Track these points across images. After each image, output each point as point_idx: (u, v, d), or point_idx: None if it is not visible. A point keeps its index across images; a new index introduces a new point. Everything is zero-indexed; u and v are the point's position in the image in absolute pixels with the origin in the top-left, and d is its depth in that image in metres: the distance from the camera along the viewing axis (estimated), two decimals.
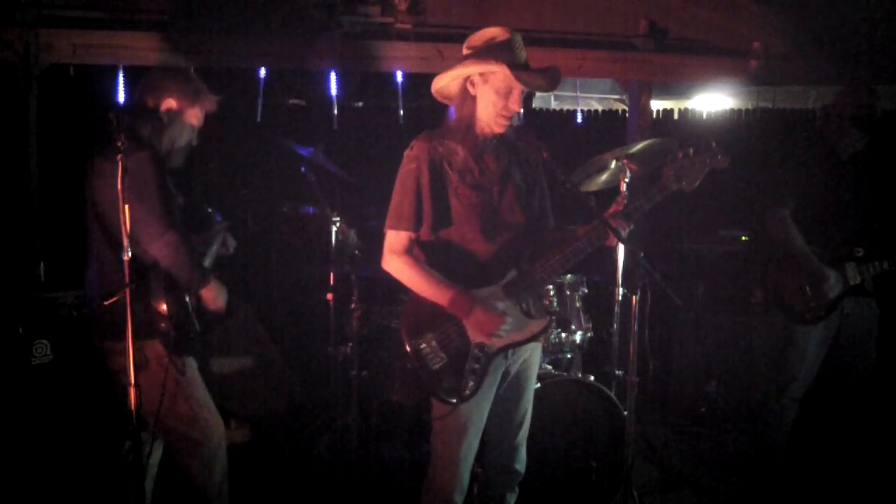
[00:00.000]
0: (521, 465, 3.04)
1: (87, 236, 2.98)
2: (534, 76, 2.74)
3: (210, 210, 3.29)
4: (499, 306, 2.75)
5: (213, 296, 3.07)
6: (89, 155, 2.90)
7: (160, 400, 2.92)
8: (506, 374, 2.91)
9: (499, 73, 2.70)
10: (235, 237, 3.33)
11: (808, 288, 3.73)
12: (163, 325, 2.86)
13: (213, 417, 3.05)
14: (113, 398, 3.02)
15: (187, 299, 2.96)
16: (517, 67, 2.70)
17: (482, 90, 2.74)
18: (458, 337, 2.76)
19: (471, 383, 2.75)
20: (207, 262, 3.13)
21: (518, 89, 2.74)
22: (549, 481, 3.65)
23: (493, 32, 2.75)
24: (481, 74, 2.73)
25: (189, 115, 3.01)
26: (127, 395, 2.76)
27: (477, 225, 2.78)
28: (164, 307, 2.86)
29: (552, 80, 2.80)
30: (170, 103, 2.95)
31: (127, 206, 2.53)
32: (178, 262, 2.85)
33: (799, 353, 3.80)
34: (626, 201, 2.89)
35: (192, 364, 3.00)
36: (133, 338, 2.77)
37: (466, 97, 2.77)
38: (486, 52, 2.72)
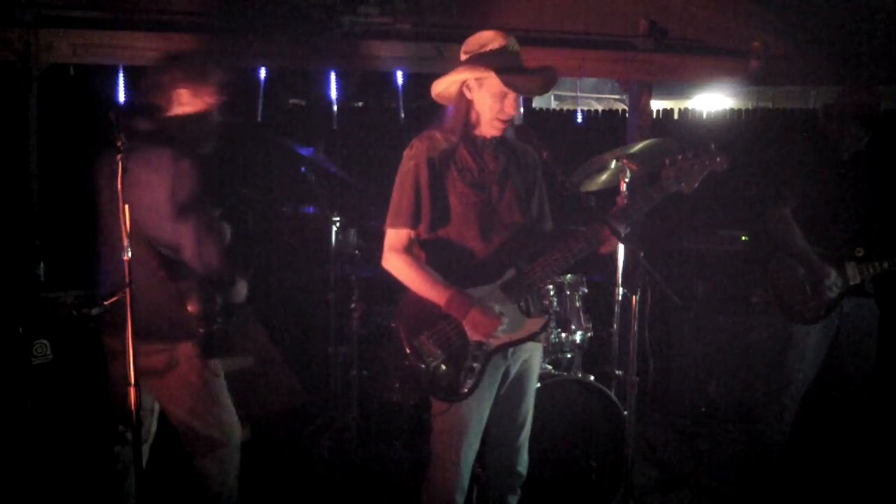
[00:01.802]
0: (522, 466, 3.04)
1: (103, 236, 2.95)
2: (525, 80, 2.75)
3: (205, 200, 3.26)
4: (496, 308, 2.75)
5: (241, 288, 3.05)
6: (106, 153, 2.87)
7: (185, 400, 2.91)
8: (506, 374, 2.91)
9: (491, 77, 2.72)
10: (235, 237, 3.32)
11: (807, 287, 3.73)
12: (199, 328, 2.85)
13: (234, 420, 3.05)
14: (112, 398, 3.02)
15: (218, 299, 2.95)
16: (509, 72, 2.71)
17: (478, 94, 2.76)
18: (456, 335, 2.76)
19: (469, 382, 2.76)
20: None
21: (513, 93, 2.75)
22: (549, 481, 3.65)
23: (486, 37, 2.77)
24: (476, 79, 2.75)
25: (205, 97, 2.96)
26: (128, 396, 2.76)
27: (475, 224, 2.79)
28: (197, 308, 2.85)
29: (546, 82, 2.81)
30: (183, 96, 2.91)
31: (127, 206, 2.53)
32: (213, 264, 2.83)
33: (798, 353, 3.80)
34: (625, 202, 2.89)
35: (217, 365, 3.00)
36: (166, 339, 2.80)
37: (463, 100, 2.79)
38: (479, 58, 2.74)
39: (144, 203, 2.76)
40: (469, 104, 2.79)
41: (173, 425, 3.04)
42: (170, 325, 2.84)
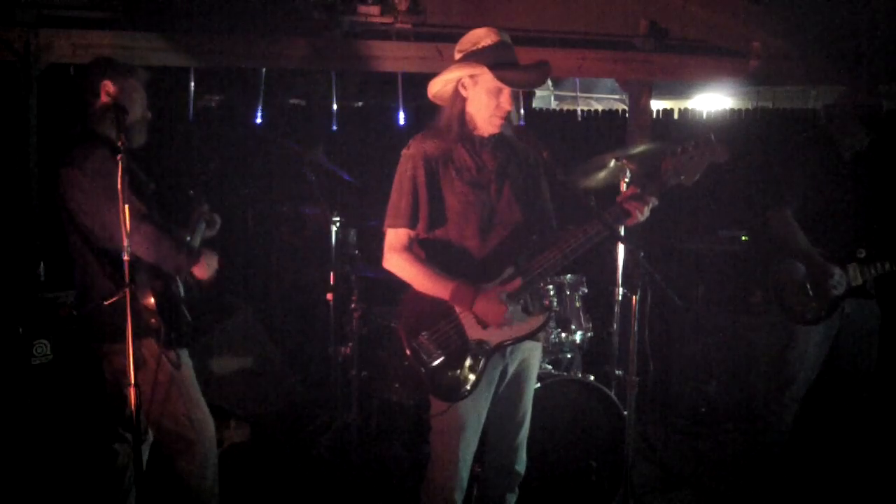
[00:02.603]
0: (521, 465, 3.04)
1: (68, 242, 2.98)
2: (519, 74, 2.75)
3: (191, 192, 3.27)
4: (501, 296, 2.75)
5: (204, 267, 3.06)
6: (57, 166, 2.92)
7: (156, 399, 2.92)
8: (504, 373, 2.91)
9: (485, 74, 2.72)
10: (236, 236, 3.32)
11: (809, 288, 3.72)
12: (153, 320, 2.86)
13: (206, 417, 3.05)
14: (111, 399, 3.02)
15: (175, 290, 2.96)
16: (502, 67, 2.71)
17: (473, 92, 2.77)
18: (455, 334, 2.76)
19: (469, 381, 2.76)
20: (195, 244, 3.13)
21: (508, 89, 2.75)
22: (549, 481, 3.65)
23: (478, 34, 2.78)
24: (471, 77, 2.75)
25: (129, 90, 3.00)
26: (124, 396, 2.77)
27: (474, 222, 2.79)
28: (151, 302, 2.85)
29: (540, 76, 2.81)
30: (108, 87, 2.96)
31: (127, 207, 2.53)
32: (160, 251, 2.85)
33: (799, 353, 3.80)
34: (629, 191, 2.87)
35: (186, 360, 3.00)
36: (125, 338, 2.78)
37: (457, 98, 2.79)
38: (473, 55, 2.75)
39: (85, 205, 2.82)
40: (465, 102, 2.79)
41: (148, 426, 3.03)
42: (125, 323, 2.82)
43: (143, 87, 3.07)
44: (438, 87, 2.84)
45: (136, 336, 2.77)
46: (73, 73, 5.29)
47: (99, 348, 2.98)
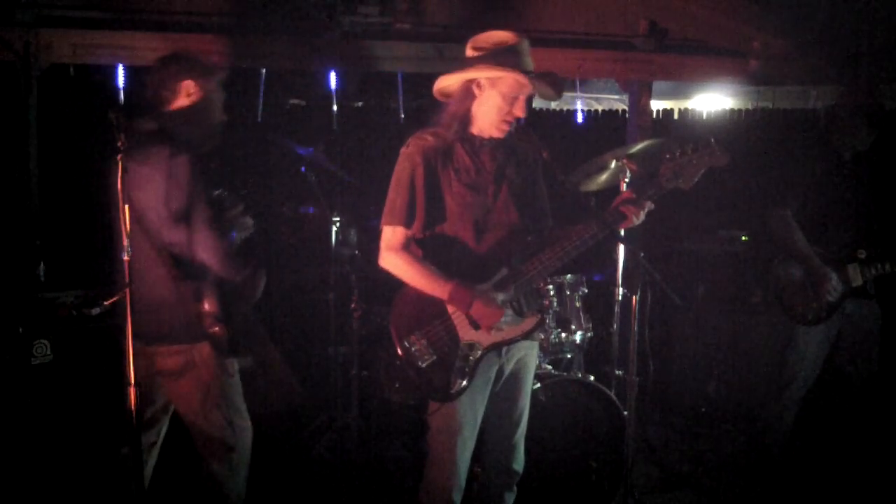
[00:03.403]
0: (518, 464, 3.04)
1: (113, 234, 2.94)
2: (544, 85, 2.75)
3: (225, 193, 3.22)
4: (499, 298, 2.75)
5: (256, 284, 3.03)
6: (122, 159, 2.87)
7: (203, 404, 2.91)
8: (500, 372, 2.91)
9: (507, 78, 2.69)
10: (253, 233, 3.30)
11: (809, 288, 3.73)
12: (216, 328, 2.83)
13: (247, 424, 3.05)
14: (113, 399, 3.02)
15: (228, 294, 2.93)
16: (528, 75, 2.69)
17: (488, 94, 2.73)
18: (446, 335, 2.76)
19: (459, 382, 2.76)
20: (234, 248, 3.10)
21: (524, 96, 2.73)
22: (549, 481, 3.65)
23: (502, 36, 2.73)
24: (489, 78, 2.72)
25: (209, 92, 2.96)
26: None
27: (470, 223, 2.79)
28: (216, 307, 2.83)
29: (559, 90, 2.81)
30: (189, 88, 2.90)
31: (127, 207, 2.53)
32: (221, 261, 2.82)
33: (799, 354, 3.80)
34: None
35: (233, 367, 2.99)
36: (182, 340, 2.79)
37: (467, 97, 2.76)
38: (497, 57, 2.70)
39: (149, 203, 2.76)
40: (473, 103, 2.77)
41: (186, 427, 3.03)
42: (186, 325, 2.82)
43: (221, 88, 3.01)
44: (450, 83, 2.79)
45: (192, 339, 2.79)
46: (72, 73, 5.30)
47: (134, 349, 2.96)
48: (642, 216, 2.78)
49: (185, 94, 2.90)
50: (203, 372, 2.88)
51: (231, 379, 2.97)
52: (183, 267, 2.80)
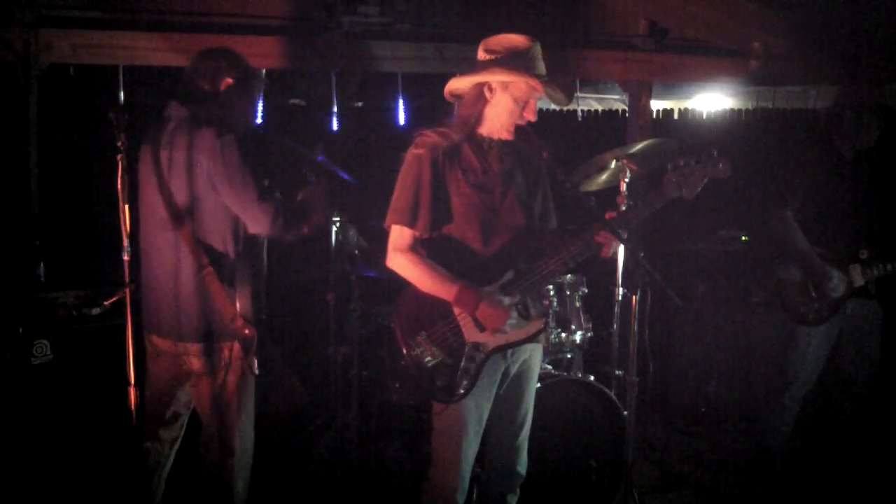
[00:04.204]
0: (522, 466, 3.04)
1: (144, 234, 2.94)
2: (557, 90, 2.76)
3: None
4: (505, 301, 2.75)
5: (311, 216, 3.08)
6: (152, 147, 2.87)
7: (219, 403, 2.92)
8: (506, 374, 2.91)
9: (520, 82, 2.70)
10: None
11: (811, 289, 3.72)
12: (247, 330, 2.84)
13: (252, 431, 3.05)
14: (112, 398, 3.02)
15: (257, 295, 2.94)
16: (541, 80, 2.70)
17: (500, 97, 2.74)
18: (452, 336, 2.76)
19: (464, 382, 2.76)
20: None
21: (535, 99, 2.74)
22: (549, 481, 3.65)
23: (515, 41, 2.74)
24: (501, 82, 2.72)
25: (244, 92, 3.00)
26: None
27: (477, 225, 2.79)
28: (248, 308, 2.84)
29: (570, 94, 2.83)
30: (228, 81, 2.94)
31: (127, 207, 2.53)
32: (283, 228, 2.86)
33: (800, 354, 3.80)
34: (626, 205, 2.88)
35: (256, 370, 2.98)
36: (216, 340, 2.81)
37: (479, 100, 2.76)
38: (510, 61, 2.70)
39: (200, 187, 2.79)
40: (484, 105, 2.77)
41: (201, 423, 3.04)
42: (221, 325, 2.83)
43: (256, 93, 3.07)
44: (463, 85, 2.80)
45: (225, 339, 2.81)
46: (72, 73, 5.30)
47: (161, 346, 2.96)
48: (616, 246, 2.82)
49: (225, 85, 2.94)
50: (231, 372, 2.90)
51: (251, 380, 2.97)
52: (219, 265, 2.82)
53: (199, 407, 3.01)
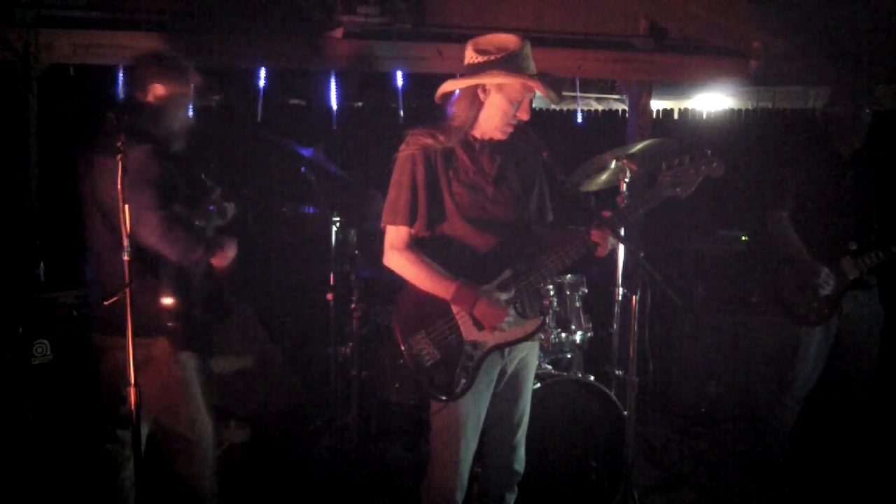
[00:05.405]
0: (519, 464, 3.04)
1: (87, 234, 2.97)
2: (549, 89, 2.75)
3: (204, 179, 3.22)
4: (502, 298, 2.75)
5: (222, 256, 3.04)
6: (88, 152, 2.90)
7: (161, 399, 2.91)
8: (503, 373, 2.91)
9: (515, 84, 2.70)
10: (235, 236, 3.30)
11: (809, 289, 3.73)
12: (171, 323, 2.84)
13: (206, 419, 3.05)
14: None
15: (190, 289, 2.94)
16: (536, 79, 2.70)
17: (494, 98, 2.74)
18: (450, 334, 2.77)
19: (462, 381, 2.76)
20: (209, 234, 3.10)
21: (528, 99, 2.74)
22: (549, 481, 3.65)
23: (507, 41, 2.73)
24: (497, 83, 2.72)
25: (178, 95, 3.00)
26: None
27: (471, 224, 2.79)
28: (171, 302, 2.85)
29: (558, 92, 2.81)
30: (157, 90, 2.95)
31: (127, 206, 2.53)
32: (179, 247, 2.83)
33: (801, 354, 3.80)
34: (622, 204, 2.89)
35: (192, 362, 3.00)
36: (139, 335, 2.74)
37: (474, 102, 2.75)
38: (505, 63, 2.69)
39: (112, 193, 2.77)
40: (479, 106, 2.76)
41: (147, 423, 3.03)
42: (146, 320, 2.81)
43: (192, 90, 3.05)
44: (458, 88, 2.79)
45: (149, 335, 2.78)
46: (72, 73, 5.30)
47: (100, 342, 2.96)
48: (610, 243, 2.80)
49: (153, 94, 2.95)
50: (161, 367, 2.89)
51: (190, 374, 2.96)
52: (146, 262, 2.81)
53: (144, 403, 3.00)
